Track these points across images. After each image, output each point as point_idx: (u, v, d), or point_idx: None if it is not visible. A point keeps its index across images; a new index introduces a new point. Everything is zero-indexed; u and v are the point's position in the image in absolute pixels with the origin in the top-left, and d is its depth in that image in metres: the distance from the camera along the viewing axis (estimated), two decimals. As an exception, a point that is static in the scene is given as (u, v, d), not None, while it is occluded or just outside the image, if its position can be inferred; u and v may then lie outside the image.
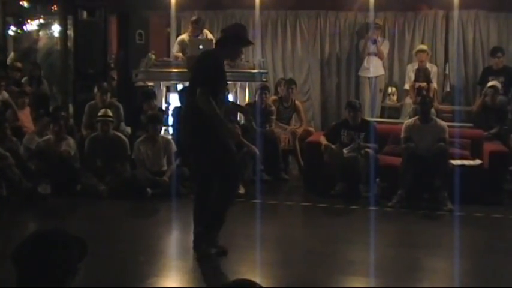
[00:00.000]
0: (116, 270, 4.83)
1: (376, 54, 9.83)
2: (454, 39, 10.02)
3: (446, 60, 10.20)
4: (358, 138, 7.44)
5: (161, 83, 9.02)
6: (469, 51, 10.10)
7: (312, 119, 10.48)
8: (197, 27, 9.31)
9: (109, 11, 9.43)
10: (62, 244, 2.13)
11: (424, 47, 9.58)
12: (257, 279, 2.17)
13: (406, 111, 9.39)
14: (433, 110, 7.77)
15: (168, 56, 9.77)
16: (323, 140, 7.52)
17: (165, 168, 7.51)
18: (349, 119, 7.63)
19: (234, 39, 5.12)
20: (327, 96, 10.61)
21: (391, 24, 10.33)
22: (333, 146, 7.40)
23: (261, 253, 5.17)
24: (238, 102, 8.30)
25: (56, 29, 12.41)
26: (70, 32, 10.51)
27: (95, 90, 8.49)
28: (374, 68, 9.87)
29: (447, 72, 10.23)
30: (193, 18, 9.52)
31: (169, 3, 10.03)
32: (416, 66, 9.46)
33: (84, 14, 9.27)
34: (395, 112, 10.10)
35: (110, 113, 7.79)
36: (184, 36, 9.43)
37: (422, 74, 9.37)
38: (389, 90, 10.25)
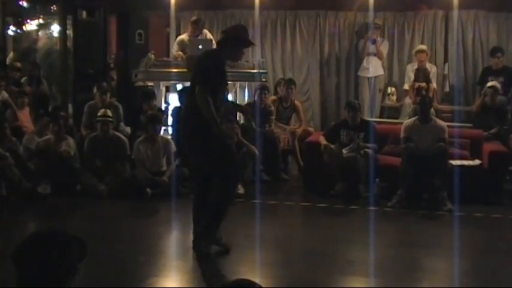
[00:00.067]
0: (116, 270, 4.83)
1: (375, 54, 9.82)
2: (453, 39, 10.01)
3: (445, 60, 10.19)
4: (358, 138, 7.44)
5: (161, 83, 9.02)
6: (468, 51, 10.09)
7: (312, 119, 10.48)
8: (197, 27, 9.30)
9: (109, 11, 9.43)
10: (62, 244, 2.13)
11: (423, 47, 9.58)
12: (257, 279, 2.17)
13: (406, 111, 9.39)
14: (432, 110, 7.76)
15: (168, 56, 9.76)
16: (322, 140, 7.52)
17: (164, 168, 7.51)
18: (349, 119, 7.63)
19: (235, 41, 5.13)
20: (326, 96, 10.60)
21: (391, 24, 10.33)
22: (332, 146, 7.40)
23: (261, 253, 5.17)
24: (237, 102, 8.29)
25: (55, 29, 12.39)
26: (70, 32, 10.51)
27: (95, 90, 8.48)
28: (373, 68, 9.87)
29: (446, 72, 10.21)
30: (193, 18, 9.51)
31: (169, 3, 10.03)
32: (415, 66, 9.46)
33: (84, 14, 9.27)
34: (394, 112, 10.09)
35: (109, 113, 7.79)
36: (183, 36, 9.41)
37: (422, 74, 9.37)
38: (389, 90, 10.24)
